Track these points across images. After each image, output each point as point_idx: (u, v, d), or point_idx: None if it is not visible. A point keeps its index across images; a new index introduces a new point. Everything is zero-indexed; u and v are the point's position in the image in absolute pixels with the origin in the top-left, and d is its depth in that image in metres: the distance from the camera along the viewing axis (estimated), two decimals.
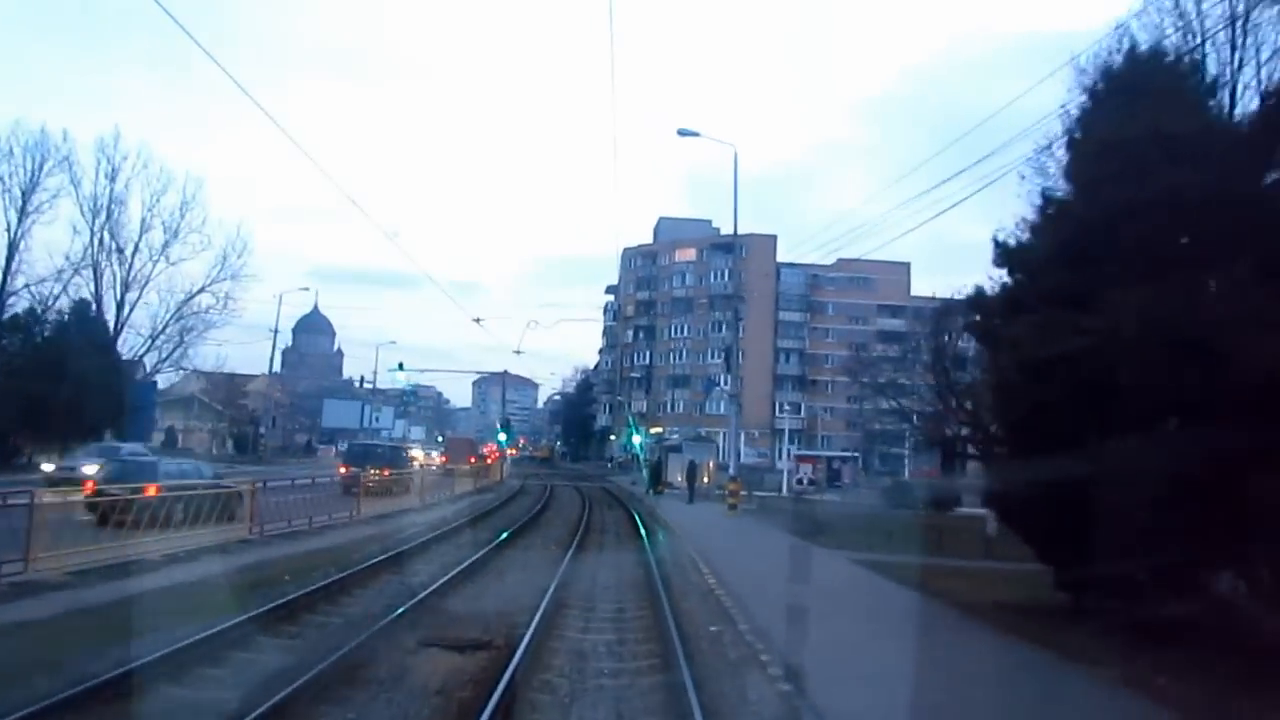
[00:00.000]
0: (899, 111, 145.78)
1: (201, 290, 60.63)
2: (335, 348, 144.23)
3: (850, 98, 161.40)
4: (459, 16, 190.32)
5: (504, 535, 19.91)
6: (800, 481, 34.41)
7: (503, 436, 50.22)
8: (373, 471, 27.13)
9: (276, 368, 61.67)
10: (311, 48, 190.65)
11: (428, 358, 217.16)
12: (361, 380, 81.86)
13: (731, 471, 27.55)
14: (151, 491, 14.91)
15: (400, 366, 50.88)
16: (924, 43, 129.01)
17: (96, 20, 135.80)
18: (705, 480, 36.50)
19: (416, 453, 53.07)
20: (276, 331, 59.15)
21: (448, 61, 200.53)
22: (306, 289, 66.90)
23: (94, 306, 42.22)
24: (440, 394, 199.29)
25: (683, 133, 28.61)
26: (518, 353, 33.81)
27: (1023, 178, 22.86)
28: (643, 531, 22.02)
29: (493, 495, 36.76)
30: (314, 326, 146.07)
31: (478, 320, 29.51)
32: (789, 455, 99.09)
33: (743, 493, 27.82)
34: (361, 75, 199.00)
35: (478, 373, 69.08)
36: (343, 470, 29.19)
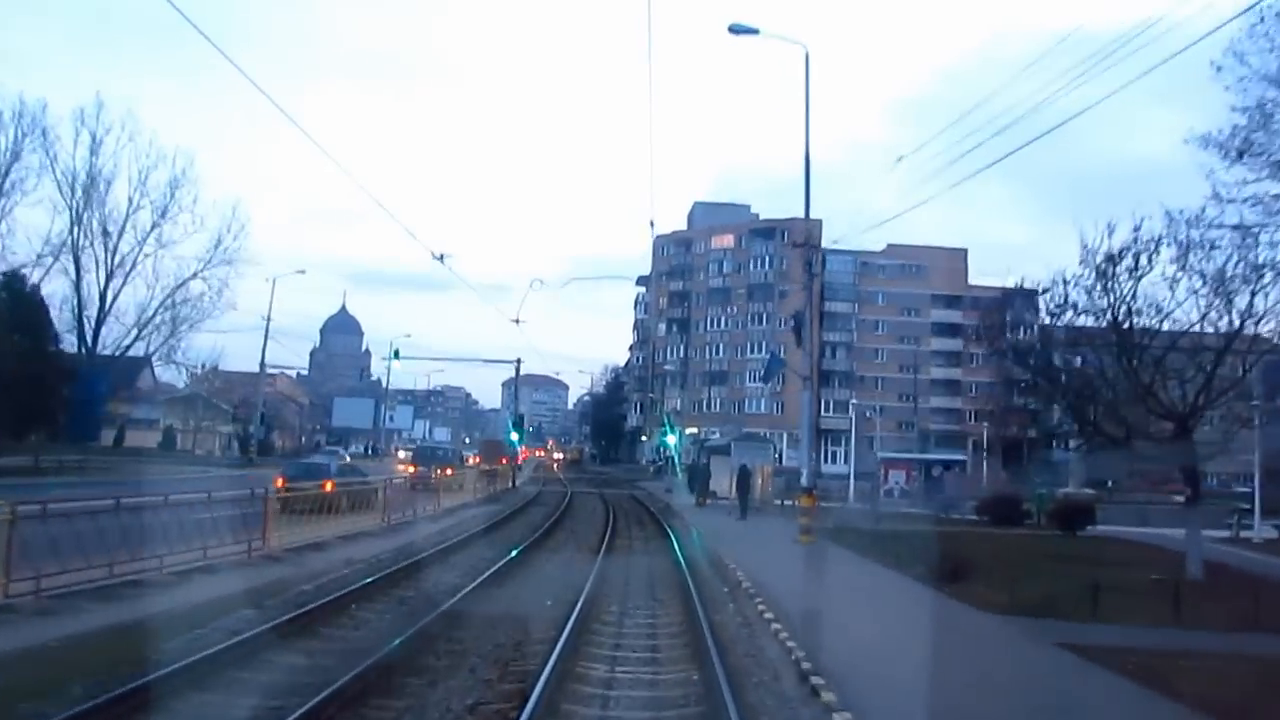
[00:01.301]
0: (931, 112, 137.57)
1: (194, 275, 54.66)
2: (364, 348, 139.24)
3: (882, 97, 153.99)
4: (487, 18, 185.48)
5: (472, 583, 12.92)
6: (891, 492, 26.91)
7: (515, 436, 43.17)
8: (437, 470, 32.10)
9: (271, 360, 55.25)
10: (335, 50, 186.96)
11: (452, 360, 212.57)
12: (363, 373, 75.27)
13: (805, 480, 20.20)
14: (329, 487, 18.93)
15: (396, 355, 44.29)
16: (957, 42, 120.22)
17: (120, 24, 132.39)
18: (759, 490, 29.20)
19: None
20: (269, 319, 52.84)
21: (476, 63, 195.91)
22: (303, 272, 61.34)
23: (23, 285, 35.79)
24: (469, 394, 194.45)
25: (737, 30, 21.48)
26: (517, 321, 26.62)
27: (1218, 69, 15.93)
28: (685, 568, 14.90)
29: (498, 507, 29.81)
30: (342, 326, 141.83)
31: (440, 258, 21.96)
32: (842, 459, 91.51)
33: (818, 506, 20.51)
34: (387, 77, 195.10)
35: (484, 361, 62.37)
36: (412, 469, 35.15)
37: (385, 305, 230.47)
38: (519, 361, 41.38)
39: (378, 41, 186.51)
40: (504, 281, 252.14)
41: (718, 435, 53.16)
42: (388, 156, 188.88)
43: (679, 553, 17.17)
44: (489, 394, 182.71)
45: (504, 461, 47.67)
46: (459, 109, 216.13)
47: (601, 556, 16.95)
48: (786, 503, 29.67)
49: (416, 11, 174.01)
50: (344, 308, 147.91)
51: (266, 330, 52.96)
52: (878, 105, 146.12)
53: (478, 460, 51.46)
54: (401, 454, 53.59)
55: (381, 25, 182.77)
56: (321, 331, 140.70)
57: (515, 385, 41.58)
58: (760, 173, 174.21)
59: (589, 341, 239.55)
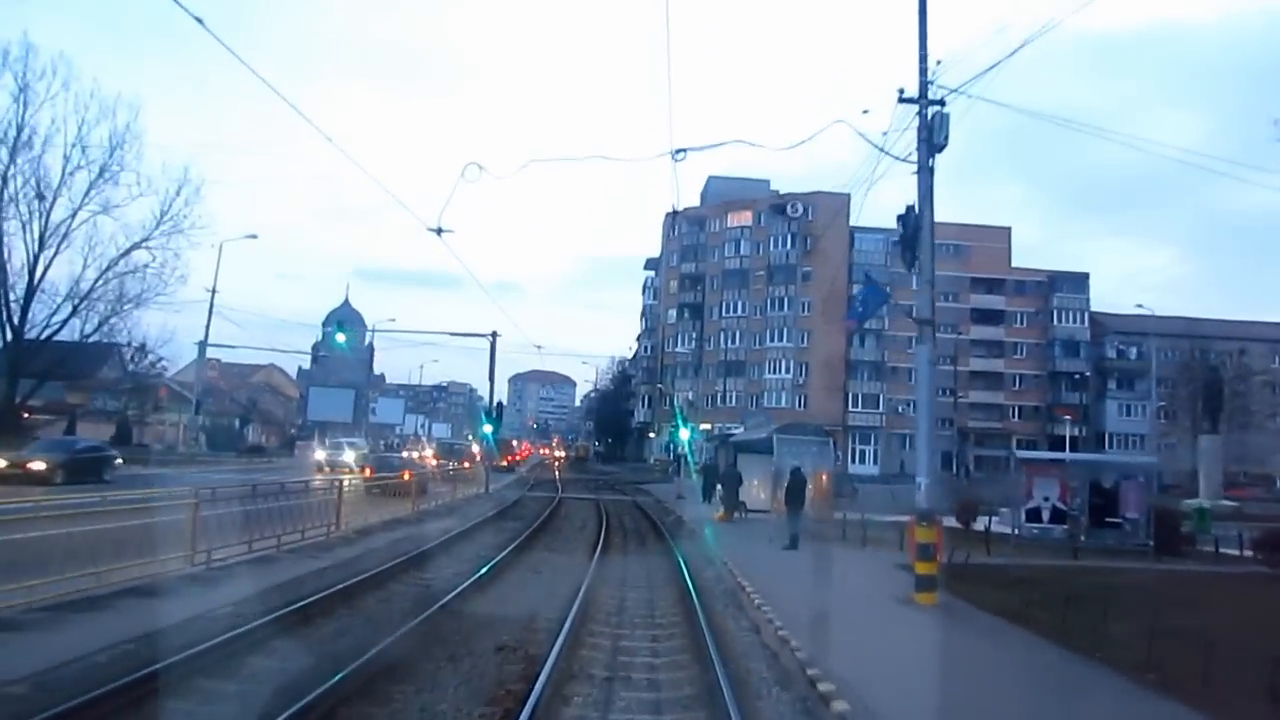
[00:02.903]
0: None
1: (139, 245, 46.94)
2: (367, 341, 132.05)
3: (894, 97, 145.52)
4: (496, 10, 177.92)
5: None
6: (1038, 515, 18.12)
7: (488, 429, 35.02)
8: (454, 464, 36.59)
9: (216, 339, 47.34)
10: (347, 46, 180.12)
11: (459, 355, 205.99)
12: (316, 353, 68.20)
13: (922, 498, 11.73)
14: (405, 477, 23.64)
15: (340, 326, 36.31)
16: (972, 42, 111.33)
17: (127, 21, 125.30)
18: (810, 503, 20.70)
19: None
20: (214, 292, 44.89)
21: (479, 58, 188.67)
22: (255, 236, 55.09)
23: None
24: (474, 390, 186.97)
25: None
26: (439, 231, 18.61)
27: None
28: (726, 690, 6.57)
29: (451, 522, 21.52)
30: (344, 320, 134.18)
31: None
32: (871, 459, 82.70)
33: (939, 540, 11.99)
34: (398, 75, 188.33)
35: (457, 333, 54.75)
36: (435, 462, 38.08)
37: (391, 300, 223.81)
38: (495, 335, 33.12)
39: (381, 37, 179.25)
40: (512, 281, 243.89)
41: (742, 430, 44.75)
42: (394, 151, 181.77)
43: (712, 647, 8.69)
44: (497, 391, 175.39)
45: (509, 460, 42.77)
46: (462, 106, 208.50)
47: (567, 632, 8.58)
48: (850, 517, 21.24)
49: (427, 11, 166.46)
50: (347, 301, 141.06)
51: (211, 305, 45.10)
52: (884, 102, 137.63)
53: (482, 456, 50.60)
54: (319, 454, 45.03)
55: (378, 23, 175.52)
56: (324, 325, 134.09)
57: (492, 364, 33.26)
58: (774, 168, 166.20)
59: (601, 340, 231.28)
